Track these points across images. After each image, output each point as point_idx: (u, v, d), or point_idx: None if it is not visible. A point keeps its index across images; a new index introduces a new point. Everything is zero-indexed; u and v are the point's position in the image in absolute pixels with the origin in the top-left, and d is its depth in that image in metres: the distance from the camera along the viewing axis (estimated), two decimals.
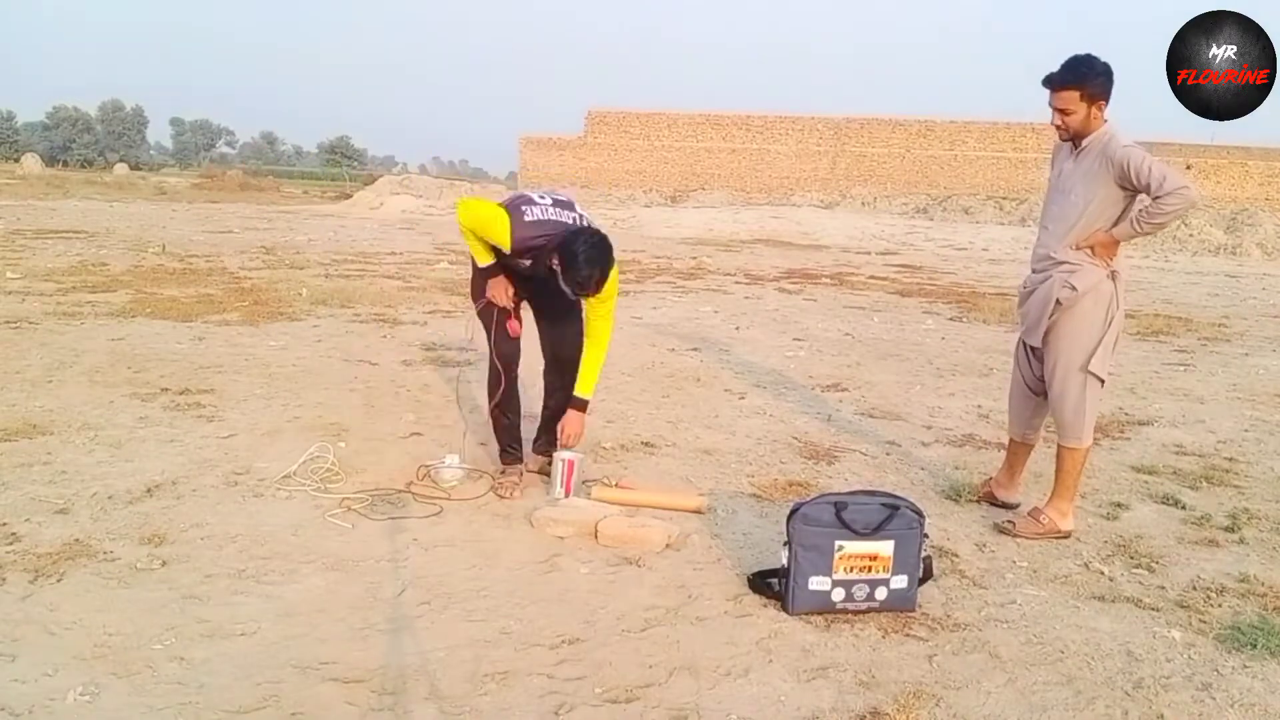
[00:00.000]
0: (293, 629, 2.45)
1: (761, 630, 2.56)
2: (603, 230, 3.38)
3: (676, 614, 2.63)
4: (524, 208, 3.41)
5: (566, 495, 3.46)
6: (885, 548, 2.68)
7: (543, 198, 3.51)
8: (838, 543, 2.66)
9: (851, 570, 2.67)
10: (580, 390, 3.60)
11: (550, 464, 3.67)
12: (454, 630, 2.49)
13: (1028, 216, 27.47)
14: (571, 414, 3.60)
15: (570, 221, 3.40)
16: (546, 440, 3.82)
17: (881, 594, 2.68)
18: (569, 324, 3.68)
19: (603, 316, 3.58)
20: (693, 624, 2.58)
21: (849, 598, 2.67)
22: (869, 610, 2.67)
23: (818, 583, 2.65)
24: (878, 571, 2.68)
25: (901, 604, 2.69)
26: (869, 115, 37.17)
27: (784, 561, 2.69)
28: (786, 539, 2.71)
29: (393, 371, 5.57)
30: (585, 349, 3.62)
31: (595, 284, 3.29)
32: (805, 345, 7.27)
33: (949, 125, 36.28)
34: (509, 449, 3.75)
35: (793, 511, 2.73)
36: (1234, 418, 5.30)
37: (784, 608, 2.66)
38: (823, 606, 2.65)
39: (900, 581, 2.70)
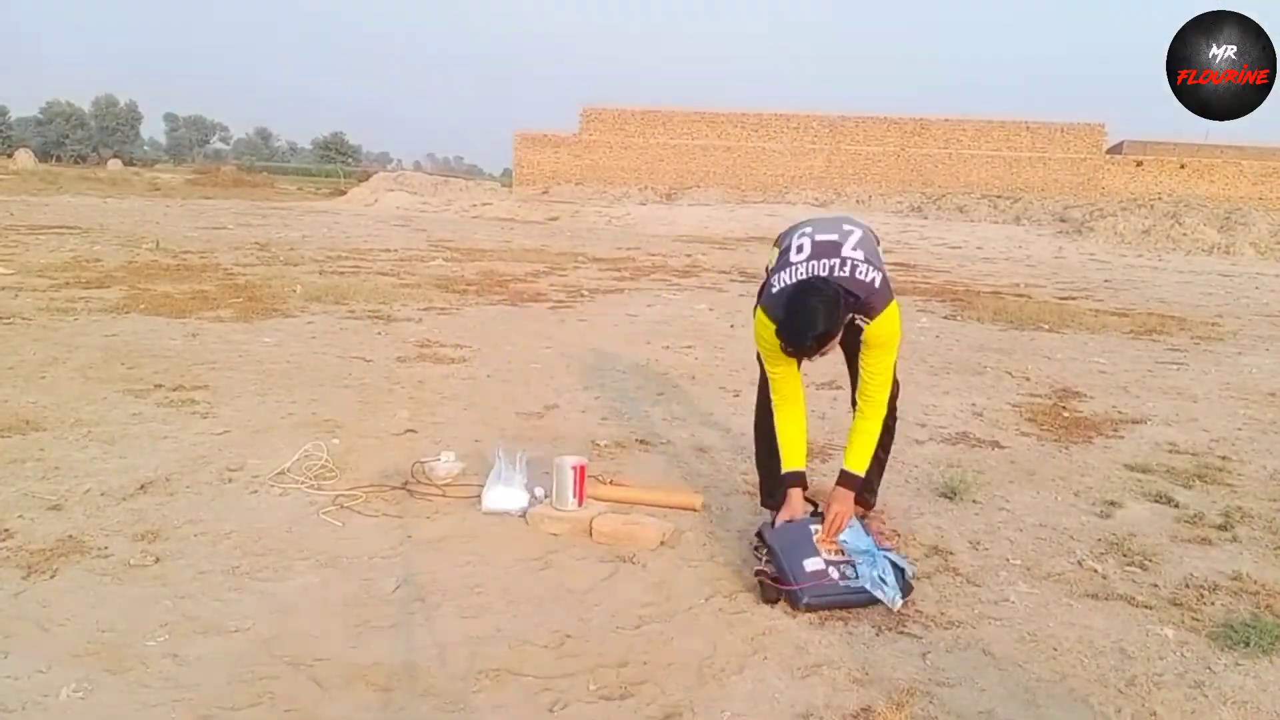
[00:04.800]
0: (286, 626, 2.45)
1: (756, 628, 2.56)
2: (844, 272, 2.76)
3: (671, 611, 2.63)
4: (773, 279, 2.90)
5: (580, 505, 3.25)
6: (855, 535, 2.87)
7: (801, 248, 2.86)
8: (813, 527, 2.86)
9: (833, 552, 2.79)
10: (847, 463, 2.96)
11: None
12: (448, 627, 2.49)
13: (1022, 215, 27.53)
14: (839, 491, 2.94)
15: (816, 273, 2.79)
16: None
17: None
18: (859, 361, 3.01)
19: (870, 365, 2.92)
20: (687, 621, 2.58)
21: (844, 578, 2.71)
22: (858, 601, 2.68)
23: (812, 564, 2.72)
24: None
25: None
26: (864, 113, 37.20)
27: (764, 568, 2.77)
28: (758, 550, 2.87)
29: (387, 368, 5.57)
30: (859, 410, 2.98)
31: (810, 348, 2.70)
32: None
33: (943, 123, 36.31)
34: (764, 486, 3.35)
35: (758, 532, 2.93)
36: (1227, 416, 5.32)
37: (792, 605, 2.66)
38: (828, 589, 2.67)
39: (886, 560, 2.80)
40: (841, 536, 2.84)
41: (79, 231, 13.74)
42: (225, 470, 3.59)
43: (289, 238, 15.00)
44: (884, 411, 2.99)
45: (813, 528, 2.86)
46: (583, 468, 3.27)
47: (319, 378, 5.20)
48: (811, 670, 2.35)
